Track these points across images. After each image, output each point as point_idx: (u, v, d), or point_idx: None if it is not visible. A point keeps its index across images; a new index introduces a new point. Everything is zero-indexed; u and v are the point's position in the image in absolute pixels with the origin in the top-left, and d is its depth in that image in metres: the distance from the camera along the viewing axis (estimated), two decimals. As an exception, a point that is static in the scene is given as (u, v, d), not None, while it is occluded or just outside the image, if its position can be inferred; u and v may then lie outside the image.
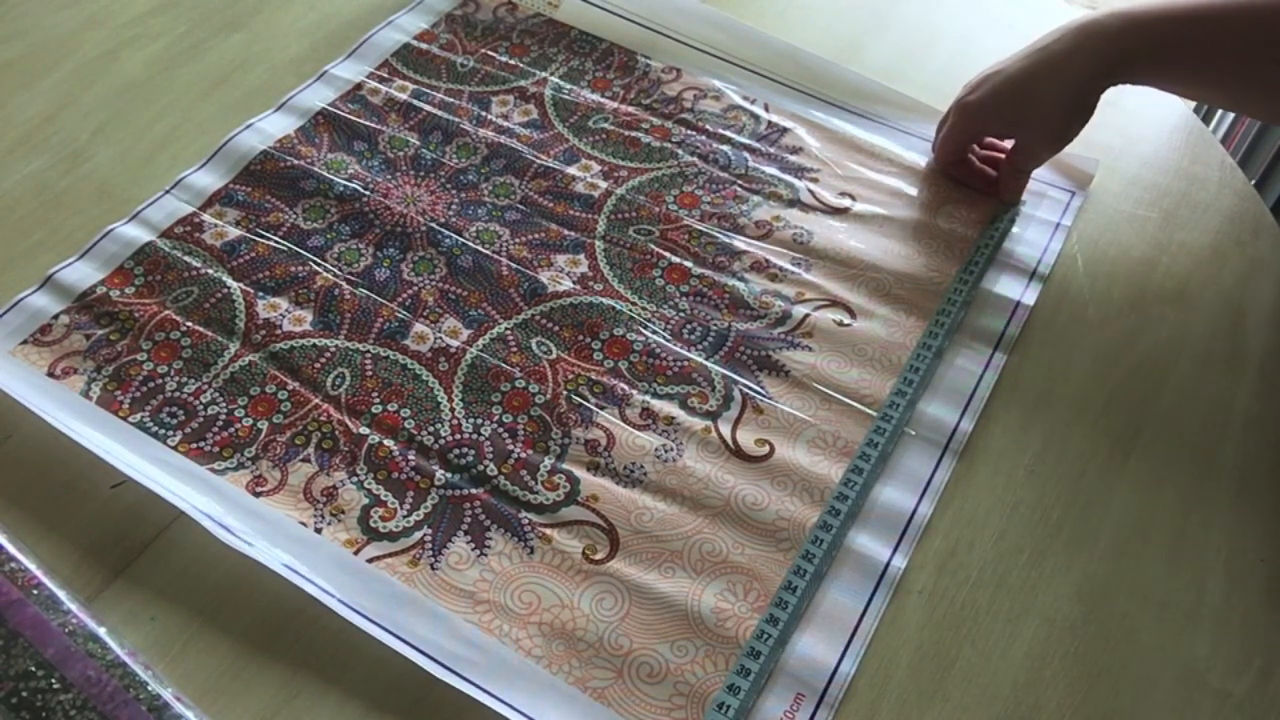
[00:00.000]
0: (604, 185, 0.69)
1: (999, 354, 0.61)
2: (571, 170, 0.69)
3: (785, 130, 0.73)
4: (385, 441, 0.55)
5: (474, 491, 0.54)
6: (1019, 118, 0.65)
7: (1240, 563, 0.54)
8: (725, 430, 0.57)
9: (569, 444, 0.56)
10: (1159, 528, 0.55)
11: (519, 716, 0.46)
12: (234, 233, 0.64)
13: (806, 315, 0.62)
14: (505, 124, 0.72)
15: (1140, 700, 0.49)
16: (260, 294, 0.61)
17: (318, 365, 0.58)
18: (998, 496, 0.56)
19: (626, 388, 0.58)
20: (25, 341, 0.58)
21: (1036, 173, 0.69)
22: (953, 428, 0.58)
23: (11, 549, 0.48)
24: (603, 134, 0.72)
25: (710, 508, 0.54)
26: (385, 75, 0.74)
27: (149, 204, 0.65)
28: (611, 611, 0.50)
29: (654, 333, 0.61)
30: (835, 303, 0.63)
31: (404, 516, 0.53)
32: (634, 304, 0.62)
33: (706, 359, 0.60)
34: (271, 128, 0.70)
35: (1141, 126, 0.76)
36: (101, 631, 0.46)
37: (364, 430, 0.56)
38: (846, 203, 0.69)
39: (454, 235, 0.65)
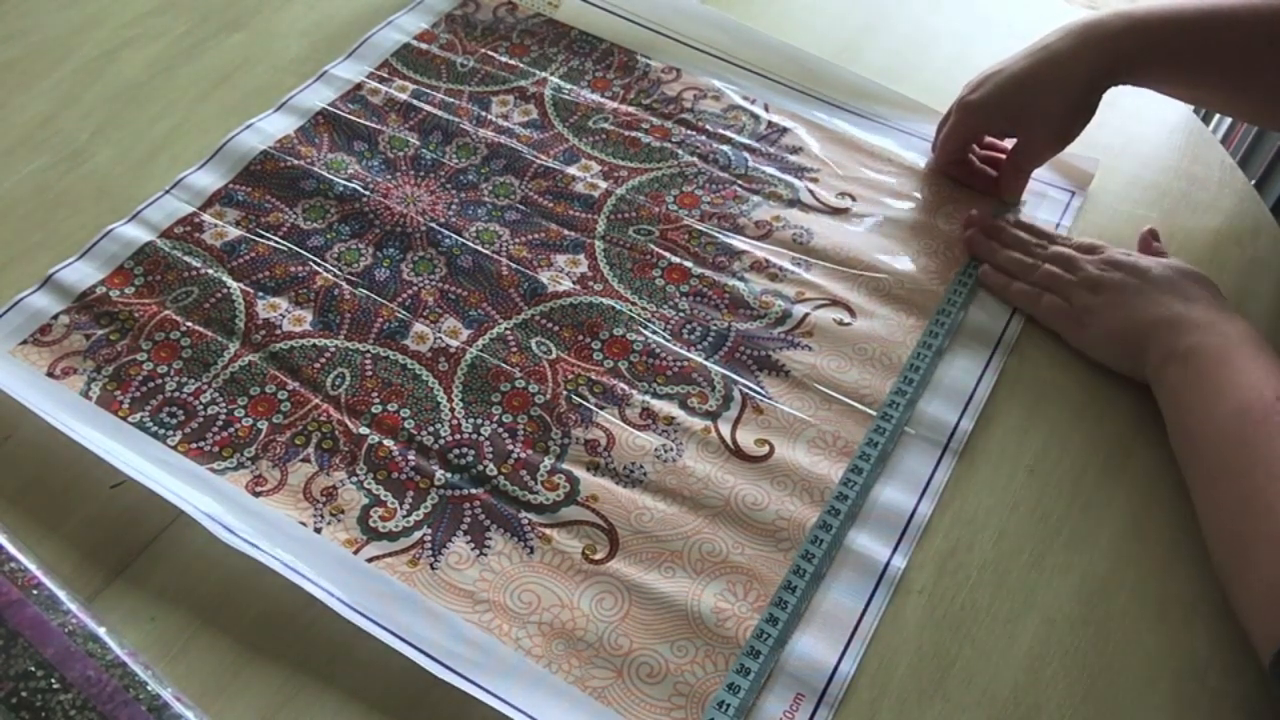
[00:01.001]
0: (604, 185, 0.69)
1: (999, 354, 0.61)
2: (571, 170, 0.69)
3: (785, 130, 0.73)
4: (385, 441, 0.55)
5: (474, 491, 0.54)
6: (1021, 117, 0.65)
7: (1240, 563, 0.54)
8: (725, 430, 0.57)
9: (569, 444, 0.56)
10: (1159, 528, 0.55)
11: (519, 716, 0.46)
12: (234, 233, 0.64)
13: (806, 315, 0.62)
14: (505, 124, 0.72)
15: (1140, 700, 0.49)
16: (260, 294, 0.61)
17: (317, 365, 0.58)
18: (998, 496, 0.56)
19: (626, 388, 0.58)
20: (25, 341, 0.58)
21: (1036, 172, 0.69)
22: (952, 427, 0.58)
23: (11, 549, 0.48)
24: (603, 134, 0.72)
25: (710, 508, 0.54)
26: (385, 75, 0.74)
27: (149, 204, 0.65)
28: (611, 611, 0.50)
29: (654, 333, 0.61)
30: (835, 302, 0.63)
31: (404, 516, 0.53)
32: (634, 304, 0.62)
33: (706, 359, 0.60)
34: (271, 128, 0.70)
35: (1141, 126, 0.76)
36: (101, 631, 0.46)
37: (364, 430, 0.56)
38: (846, 203, 0.69)
39: (454, 235, 0.65)
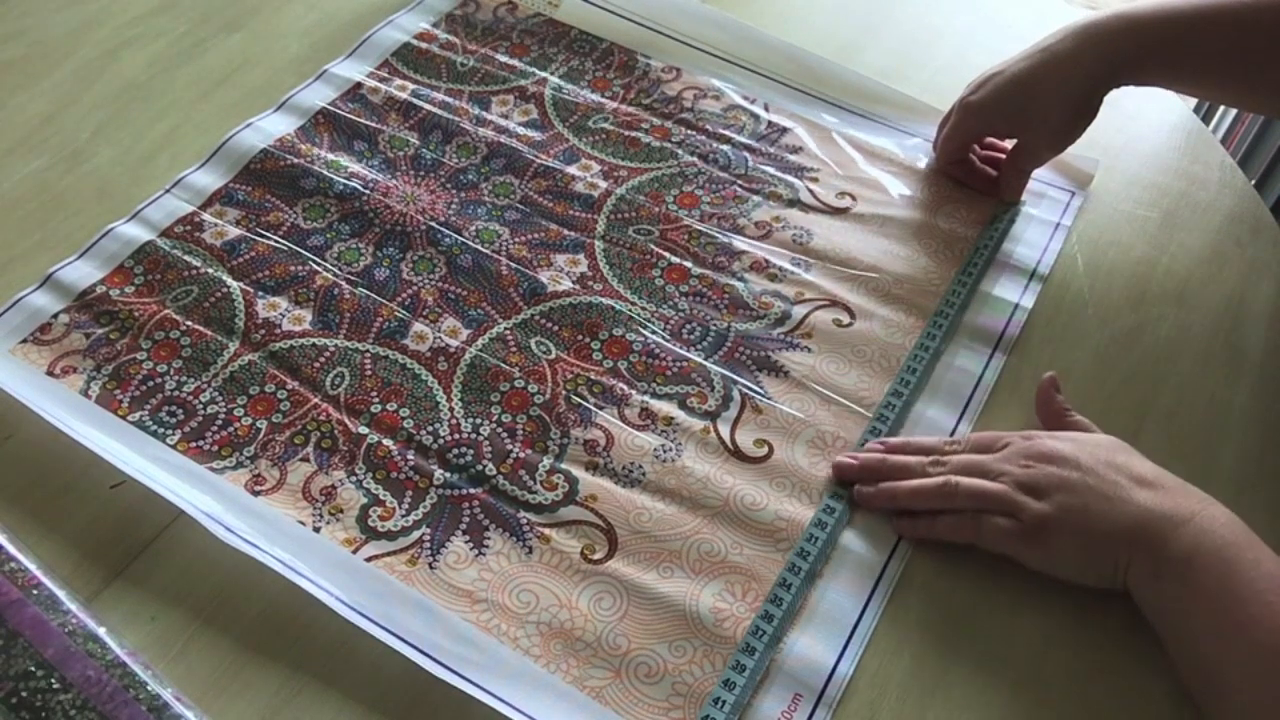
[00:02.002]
0: (604, 185, 0.69)
1: (999, 354, 0.61)
2: (571, 170, 0.69)
3: (785, 130, 0.73)
4: (384, 441, 0.55)
5: (473, 491, 0.54)
6: (1022, 117, 0.65)
7: (1239, 563, 0.54)
8: (724, 430, 0.57)
9: (568, 444, 0.56)
10: (1158, 528, 0.55)
11: (518, 715, 0.46)
12: (234, 232, 0.64)
13: (806, 315, 0.62)
14: (505, 124, 0.72)
15: (1140, 700, 0.49)
16: (260, 293, 0.61)
17: (317, 365, 0.58)
18: (997, 497, 0.56)
19: (626, 388, 0.58)
20: (25, 340, 0.58)
21: (1037, 173, 0.69)
22: (952, 428, 0.58)
23: (11, 549, 0.48)
24: (603, 134, 0.72)
25: (709, 508, 0.54)
26: (385, 75, 0.74)
27: (149, 203, 0.65)
28: (610, 611, 0.50)
29: (653, 333, 0.61)
30: (835, 303, 0.63)
31: (403, 516, 0.53)
32: (633, 304, 0.62)
33: (706, 359, 0.60)
34: (271, 127, 0.70)
35: (1141, 126, 0.76)
36: (101, 631, 0.46)
37: (363, 430, 0.56)
38: (846, 203, 0.69)
39: (454, 235, 0.65)
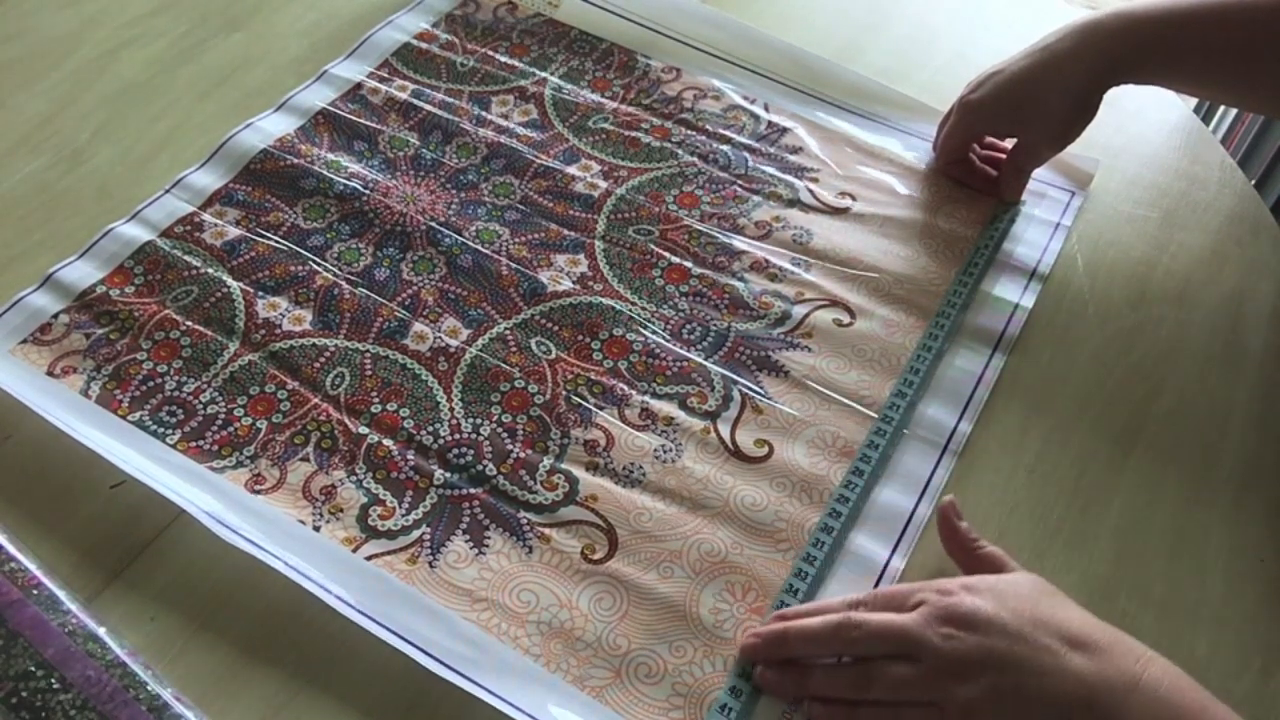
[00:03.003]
0: (604, 185, 0.69)
1: (999, 354, 0.61)
2: (571, 170, 0.69)
3: (785, 130, 0.73)
4: (384, 441, 0.55)
5: (473, 491, 0.54)
6: (1021, 117, 0.65)
7: (1240, 562, 0.54)
8: (724, 430, 0.57)
9: (568, 444, 0.56)
10: (1159, 528, 0.55)
11: (518, 714, 0.46)
12: (234, 232, 0.64)
13: (806, 315, 0.62)
14: (505, 124, 0.72)
15: None
16: (260, 293, 0.61)
17: (317, 365, 0.58)
18: (998, 496, 0.56)
19: (626, 388, 0.58)
20: (25, 341, 0.58)
21: (1036, 172, 0.69)
22: (952, 428, 0.58)
23: (11, 549, 0.48)
24: (603, 134, 0.72)
25: (709, 508, 0.54)
26: (385, 75, 0.74)
27: (149, 203, 0.65)
28: (610, 611, 0.50)
29: (653, 333, 0.61)
30: (835, 303, 0.63)
31: (403, 515, 0.53)
32: (634, 304, 0.62)
33: (706, 359, 0.60)
34: (271, 127, 0.70)
35: (1141, 126, 0.76)
36: (101, 632, 0.46)
37: (363, 430, 0.56)
38: (846, 203, 0.69)
39: (454, 235, 0.65)
